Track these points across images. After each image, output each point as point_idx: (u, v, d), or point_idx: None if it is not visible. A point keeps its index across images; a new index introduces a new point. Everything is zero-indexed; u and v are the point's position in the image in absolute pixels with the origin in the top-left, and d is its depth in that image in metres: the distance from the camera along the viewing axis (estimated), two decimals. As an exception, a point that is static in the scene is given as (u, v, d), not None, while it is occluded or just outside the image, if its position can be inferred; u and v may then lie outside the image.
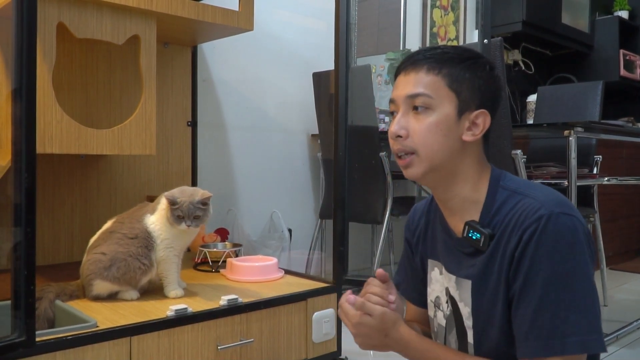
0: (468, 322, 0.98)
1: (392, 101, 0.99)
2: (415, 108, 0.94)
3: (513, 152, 2.08)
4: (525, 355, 0.86)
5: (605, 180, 2.43)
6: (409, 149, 0.95)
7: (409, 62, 0.97)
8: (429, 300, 1.11)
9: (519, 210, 0.90)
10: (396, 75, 1.01)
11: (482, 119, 0.95)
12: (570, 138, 2.01)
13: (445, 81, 0.94)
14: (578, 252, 0.85)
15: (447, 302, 1.04)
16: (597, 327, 0.84)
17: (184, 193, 1.46)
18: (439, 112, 0.93)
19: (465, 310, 0.98)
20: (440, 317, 1.07)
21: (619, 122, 2.69)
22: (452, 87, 0.94)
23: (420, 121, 0.94)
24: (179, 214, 1.43)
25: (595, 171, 2.61)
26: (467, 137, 0.95)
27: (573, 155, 2.02)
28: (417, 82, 0.94)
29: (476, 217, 0.96)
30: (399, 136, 0.95)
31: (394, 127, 0.96)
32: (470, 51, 0.98)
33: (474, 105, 0.95)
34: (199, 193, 1.47)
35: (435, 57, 0.95)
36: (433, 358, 0.95)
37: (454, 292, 1.01)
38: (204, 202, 1.46)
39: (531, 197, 0.91)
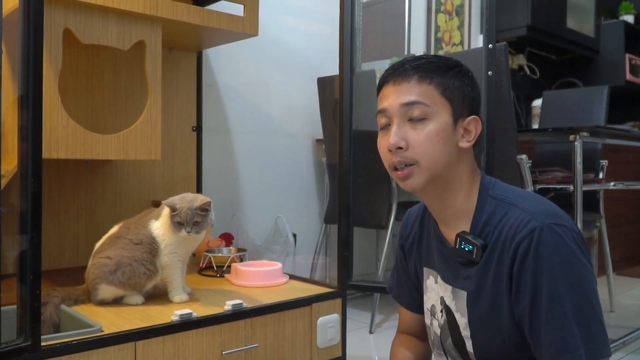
0: (465, 332, 0.97)
1: (382, 112, 0.97)
2: (411, 119, 0.93)
3: (518, 156, 2.07)
4: None
5: (611, 185, 2.41)
6: (410, 160, 0.93)
7: (397, 72, 0.95)
8: (425, 308, 1.10)
9: (509, 221, 0.90)
10: (381, 86, 0.99)
11: (473, 125, 0.96)
12: (575, 143, 2.00)
13: (439, 90, 0.93)
14: (577, 261, 0.85)
15: (441, 311, 1.03)
16: (605, 330, 0.86)
17: (184, 199, 1.46)
18: (437, 121, 0.92)
19: (462, 321, 0.97)
20: (435, 326, 1.06)
21: (625, 126, 2.69)
22: (445, 95, 0.93)
23: (419, 131, 0.92)
24: (178, 220, 1.43)
25: (601, 176, 2.60)
26: (463, 144, 0.95)
27: (579, 160, 2.01)
28: (410, 91, 0.93)
29: (467, 227, 0.96)
30: (400, 148, 0.93)
31: (393, 138, 0.93)
32: (451, 60, 0.98)
33: (465, 112, 0.95)
34: (198, 199, 1.47)
35: (424, 67, 0.94)
36: None
37: (449, 302, 1.00)
38: (204, 208, 1.45)
39: (519, 208, 0.90)
